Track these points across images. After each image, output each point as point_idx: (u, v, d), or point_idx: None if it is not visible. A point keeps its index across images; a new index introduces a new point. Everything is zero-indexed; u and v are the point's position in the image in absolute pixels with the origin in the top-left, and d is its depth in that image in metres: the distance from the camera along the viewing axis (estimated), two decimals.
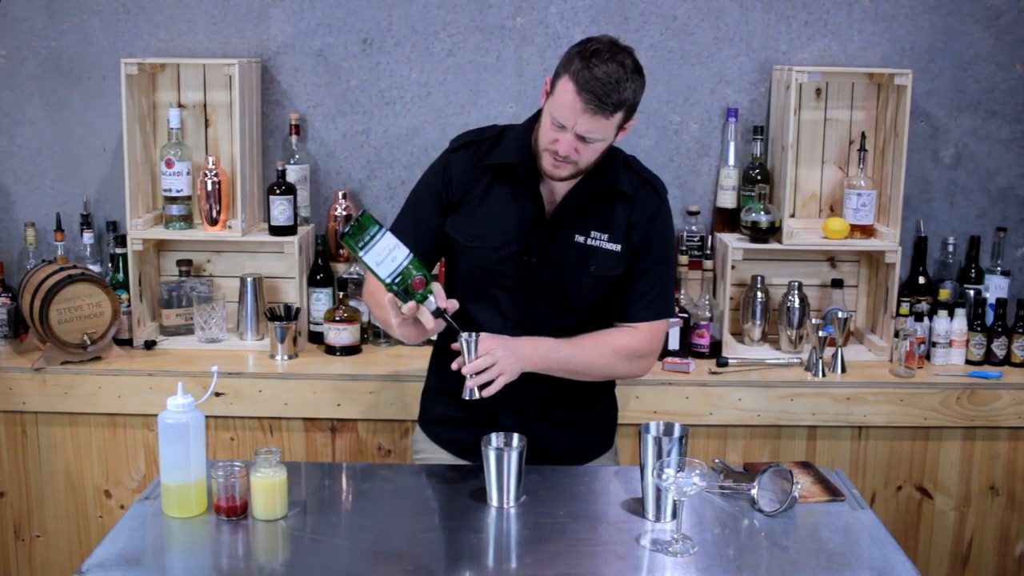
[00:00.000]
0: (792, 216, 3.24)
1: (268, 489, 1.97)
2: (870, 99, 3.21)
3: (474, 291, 2.26)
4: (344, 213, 3.23)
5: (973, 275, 3.25)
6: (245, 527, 1.98)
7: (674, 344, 3.08)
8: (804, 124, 3.20)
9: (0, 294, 3.17)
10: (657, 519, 2.02)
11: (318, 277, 3.20)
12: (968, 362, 3.12)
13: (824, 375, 3.00)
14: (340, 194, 3.25)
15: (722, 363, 3.05)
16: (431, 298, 2.04)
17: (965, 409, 2.96)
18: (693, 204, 3.27)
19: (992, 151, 3.29)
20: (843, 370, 3.02)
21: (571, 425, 2.35)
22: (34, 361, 2.96)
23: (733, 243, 3.11)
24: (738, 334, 3.24)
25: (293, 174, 3.18)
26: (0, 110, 3.27)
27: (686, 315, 3.11)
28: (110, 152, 3.28)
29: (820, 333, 2.99)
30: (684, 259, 3.16)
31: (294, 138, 3.22)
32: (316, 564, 1.86)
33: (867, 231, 3.13)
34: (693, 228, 3.24)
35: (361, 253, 1.99)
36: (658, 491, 1.99)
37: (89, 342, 2.97)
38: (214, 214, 3.12)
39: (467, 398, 2.10)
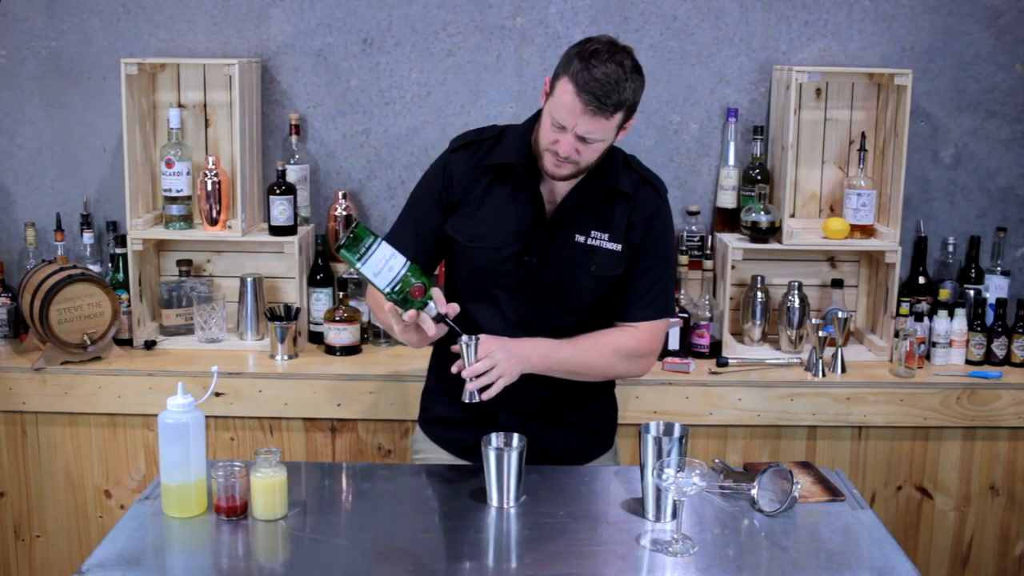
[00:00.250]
0: (792, 216, 3.24)
1: (268, 489, 1.97)
2: (870, 99, 3.21)
3: (475, 291, 2.27)
4: (344, 213, 3.23)
5: (973, 275, 3.25)
6: (245, 527, 1.98)
7: (674, 344, 3.08)
8: (804, 124, 3.20)
9: (0, 294, 3.17)
10: (657, 519, 2.02)
11: (318, 277, 3.20)
12: (968, 362, 3.12)
13: (824, 375, 3.00)
14: (340, 194, 3.25)
15: (722, 363, 3.05)
16: (431, 304, 2.04)
17: (965, 409, 2.96)
18: (693, 204, 3.27)
19: (992, 151, 3.29)
20: (843, 370, 3.02)
21: (571, 425, 2.35)
22: (34, 361, 2.96)
23: (733, 243, 3.11)
24: (738, 334, 3.24)
25: (293, 174, 3.18)
26: (0, 110, 3.27)
27: (686, 315, 3.11)
28: (110, 152, 3.28)
29: (820, 333, 2.99)
30: (684, 259, 3.16)
31: (294, 138, 3.22)
32: (316, 564, 1.86)
33: (867, 231, 3.13)
34: (693, 228, 3.24)
35: (358, 265, 1.99)
36: (658, 491, 1.99)
37: (89, 342, 2.97)
38: (214, 214, 3.12)
39: (467, 401, 2.10)
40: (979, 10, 3.20)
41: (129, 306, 3.11)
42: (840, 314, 3.10)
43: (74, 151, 3.29)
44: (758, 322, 3.19)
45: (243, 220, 3.09)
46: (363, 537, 1.97)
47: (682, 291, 3.16)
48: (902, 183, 3.07)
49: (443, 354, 2.29)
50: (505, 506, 2.06)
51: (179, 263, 3.24)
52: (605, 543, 1.95)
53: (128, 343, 3.13)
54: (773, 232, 3.11)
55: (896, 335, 3.03)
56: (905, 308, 3.07)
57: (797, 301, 3.13)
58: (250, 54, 3.23)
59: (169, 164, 3.09)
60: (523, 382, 2.17)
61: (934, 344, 3.11)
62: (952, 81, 3.24)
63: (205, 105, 3.23)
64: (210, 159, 3.14)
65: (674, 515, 1.95)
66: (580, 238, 2.22)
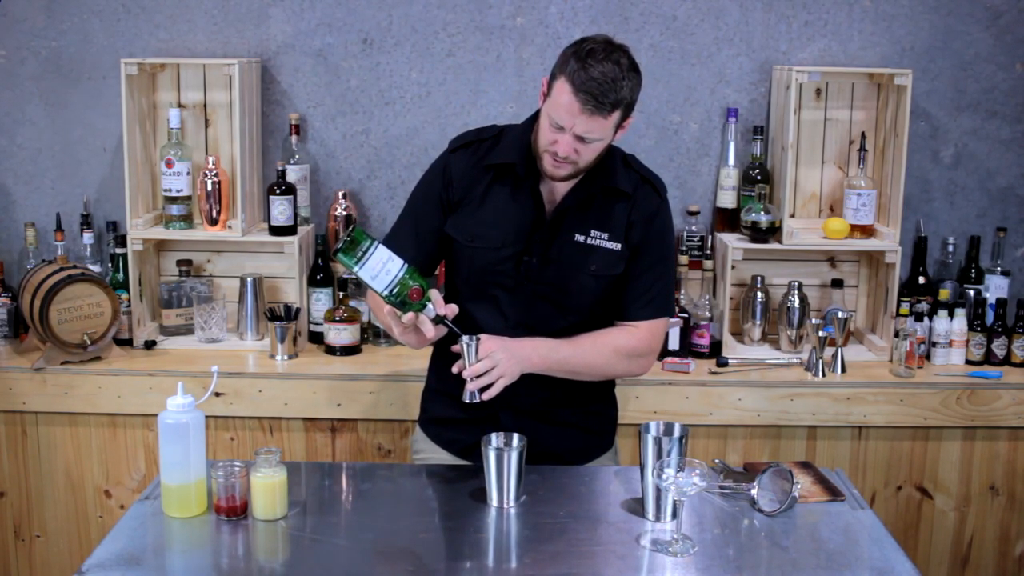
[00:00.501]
0: (792, 216, 3.24)
1: (268, 489, 1.97)
2: (870, 99, 3.21)
3: (475, 291, 2.27)
4: (344, 213, 3.23)
5: (973, 275, 3.25)
6: (245, 527, 1.98)
7: (674, 344, 3.08)
8: (804, 124, 3.20)
9: (0, 294, 3.17)
10: (657, 519, 2.02)
11: (318, 277, 3.20)
12: (968, 362, 3.12)
13: (824, 375, 3.00)
14: (340, 194, 3.24)
15: (722, 363, 3.05)
16: (430, 306, 2.04)
17: (965, 409, 2.96)
18: (693, 204, 3.27)
19: (992, 151, 3.29)
20: (843, 370, 3.02)
21: (571, 425, 2.35)
22: (34, 361, 2.96)
23: (733, 243, 3.11)
24: (738, 334, 3.24)
25: (293, 174, 3.18)
26: (0, 110, 3.27)
27: (686, 315, 3.11)
28: (110, 152, 3.28)
29: (820, 333, 2.99)
30: (684, 259, 3.16)
31: (294, 138, 3.22)
32: (316, 564, 1.86)
33: (867, 231, 3.13)
34: (693, 228, 3.24)
35: (356, 268, 1.99)
36: (658, 491, 1.99)
37: (89, 342, 2.97)
38: (214, 214, 3.12)
39: (468, 401, 2.11)
40: (979, 10, 3.20)
41: (129, 306, 3.11)
42: (840, 314, 3.10)
43: (74, 151, 3.29)
44: (758, 322, 3.19)
45: (243, 220, 3.09)
46: (363, 537, 1.97)
47: (682, 291, 3.16)
48: (902, 183, 3.07)
49: (443, 354, 2.29)
50: (505, 506, 2.06)
51: (179, 263, 3.24)
52: (605, 543, 1.95)
53: (128, 343, 3.13)
54: (773, 232, 3.11)
55: (896, 335, 3.03)
56: (905, 308, 3.07)
57: (797, 301, 3.13)
58: (250, 54, 3.23)
59: (169, 164, 3.09)
60: (523, 382, 2.17)
61: (934, 344, 3.11)
62: (952, 81, 3.24)
63: (205, 105, 3.23)
64: (210, 159, 3.14)
65: (674, 515, 1.95)
66: (580, 237, 2.22)
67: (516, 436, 2.08)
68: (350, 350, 3.10)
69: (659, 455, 1.99)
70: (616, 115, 2.07)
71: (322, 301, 3.19)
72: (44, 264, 3.07)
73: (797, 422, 2.97)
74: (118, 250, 3.17)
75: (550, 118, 2.08)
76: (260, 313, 3.16)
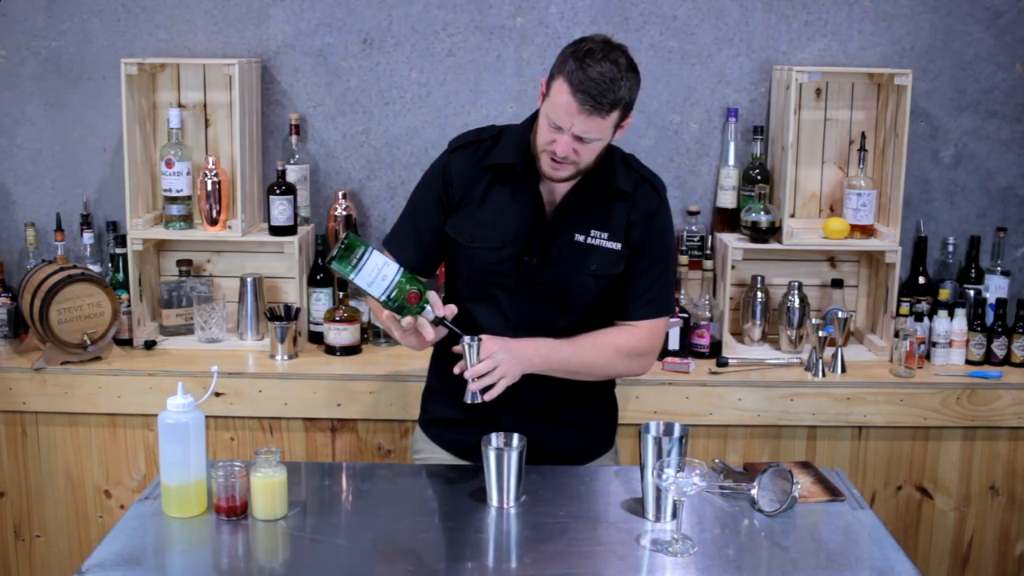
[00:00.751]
0: (792, 216, 3.24)
1: (268, 489, 1.97)
2: (870, 99, 3.21)
3: (475, 291, 2.27)
4: (344, 213, 3.23)
5: (973, 275, 3.25)
6: (245, 527, 1.98)
7: (674, 344, 3.08)
8: (804, 124, 3.20)
9: (0, 294, 3.17)
10: (657, 519, 2.02)
11: (318, 277, 3.20)
12: (968, 362, 3.12)
13: (824, 375, 3.00)
14: (340, 194, 3.24)
15: (722, 363, 3.05)
16: (428, 308, 2.04)
17: (965, 409, 2.96)
18: (693, 204, 3.27)
19: (992, 151, 3.29)
20: (843, 370, 3.02)
21: (571, 425, 2.35)
22: (34, 361, 2.96)
23: (733, 243, 3.11)
24: (738, 334, 3.24)
25: (293, 174, 3.18)
26: (0, 110, 3.27)
27: (686, 315, 3.11)
28: (110, 152, 3.28)
29: (820, 333, 2.99)
30: (684, 259, 3.16)
31: (294, 138, 3.22)
32: (316, 564, 1.86)
33: (867, 231, 3.13)
34: (693, 228, 3.24)
35: (352, 276, 1.99)
36: (658, 491, 1.99)
37: (89, 342, 2.97)
38: (214, 214, 3.12)
39: (469, 402, 2.11)
40: (979, 10, 3.20)
41: (129, 306, 3.11)
42: (840, 314, 3.10)
43: (74, 151, 3.29)
44: (758, 322, 3.19)
45: (243, 220, 3.09)
46: (363, 537, 1.97)
47: (682, 291, 3.16)
48: (902, 183, 3.07)
49: (444, 354, 2.29)
50: (505, 506, 2.06)
51: (179, 263, 3.24)
52: (605, 543, 1.95)
53: (128, 343, 3.13)
54: (773, 232, 3.11)
55: (896, 335, 3.03)
56: (905, 308, 3.07)
57: (797, 301, 3.13)
58: (250, 54, 3.23)
59: (169, 164, 3.09)
60: (523, 382, 2.17)
61: (934, 344, 3.11)
62: (952, 81, 3.24)
63: (205, 105, 3.23)
64: (210, 159, 3.14)
65: (674, 515, 1.95)
66: (580, 237, 2.22)
67: (516, 436, 2.08)
68: (350, 350, 3.10)
69: (659, 455, 1.99)
70: (615, 115, 2.07)
71: (322, 301, 3.19)
72: (44, 264, 3.07)
73: (797, 422, 2.97)
74: (118, 250, 3.17)
75: (548, 118, 2.08)
76: (260, 313, 3.16)
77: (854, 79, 3.20)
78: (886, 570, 1.87)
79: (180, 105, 3.21)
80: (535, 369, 2.19)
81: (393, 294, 2.01)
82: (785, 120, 3.08)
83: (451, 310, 2.09)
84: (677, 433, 2.03)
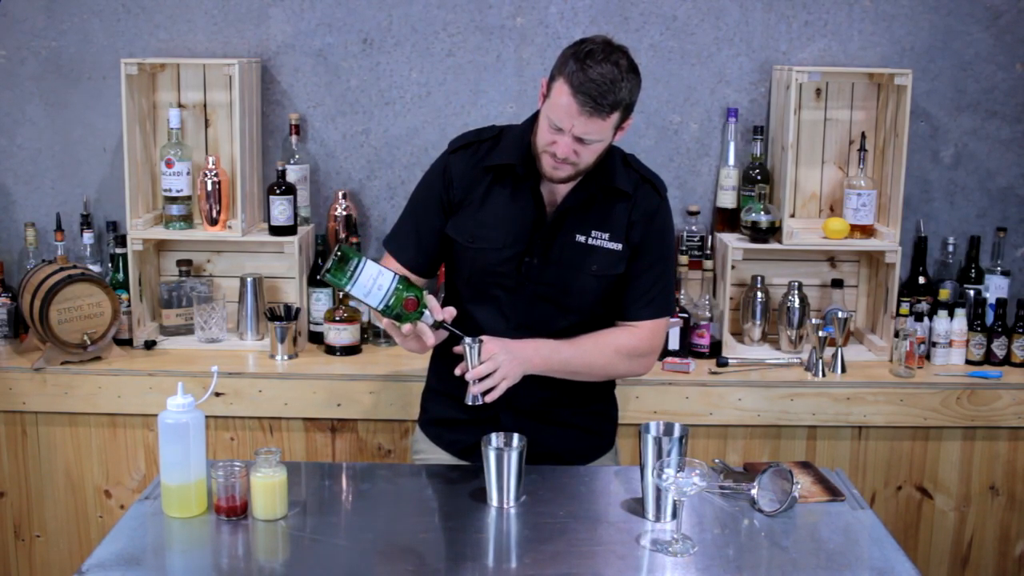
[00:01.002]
0: (792, 216, 3.24)
1: (268, 489, 1.97)
2: (870, 99, 3.21)
3: (476, 292, 2.27)
4: (344, 213, 3.23)
5: (973, 275, 3.25)
6: (245, 527, 1.98)
7: (674, 344, 3.08)
8: (804, 124, 3.20)
9: (0, 294, 3.17)
10: (657, 519, 2.02)
11: (318, 277, 3.20)
12: (968, 362, 3.12)
13: (824, 375, 3.00)
14: (340, 194, 3.25)
15: (722, 363, 3.05)
16: (427, 313, 2.04)
17: (965, 409, 2.96)
18: (693, 204, 3.27)
19: (992, 151, 3.29)
20: (843, 370, 3.02)
21: (571, 426, 2.35)
22: (34, 361, 2.96)
23: (733, 243, 3.11)
24: (738, 334, 3.24)
25: (293, 174, 3.18)
26: (0, 110, 3.27)
27: (686, 315, 3.11)
28: (110, 152, 3.28)
29: (820, 333, 2.99)
30: (684, 259, 3.16)
31: (294, 138, 3.22)
32: (316, 564, 1.86)
33: (867, 231, 3.13)
34: (693, 228, 3.24)
35: (348, 287, 1.98)
36: (658, 491, 1.99)
37: (89, 342, 2.97)
38: (214, 214, 3.12)
39: (470, 403, 2.10)
40: (979, 10, 3.20)
41: (129, 306, 3.11)
42: (840, 314, 3.10)
43: (74, 151, 3.29)
44: (758, 322, 3.19)
45: (243, 220, 3.09)
46: (363, 537, 1.97)
47: (682, 291, 3.16)
48: (902, 183, 3.07)
49: (444, 355, 2.29)
50: (505, 506, 2.06)
51: (179, 263, 3.24)
52: (605, 543, 1.95)
53: (128, 343, 3.13)
54: (773, 232, 3.11)
55: (896, 335, 3.03)
56: (905, 308, 3.07)
57: (797, 301, 3.13)
58: (250, 54, 3.23)
59: (169, 164, 3.09)
60: (523, 383, 2.17)
61: (934, 344, 3.11)
62: (952, 81, 3.24)
63: (205, 105, 3.23)
64: (210, 159, 3.14)
65: (674, 515, 1.95)
66: (580, 238, 2.22)
67: (516, 436, 2.08)
68: (350, 350, 3.10)
69: (659, 455, 1.99)
70: (615, 116, 2.07)
71: (322, 301, 3.19)
72: (44, 264, 3.07)
73: (797, 422, 2.97)
74: (118, 250, 3.17)
75: (549, 119, 2.08)
76: (260, 313, 3.16)
77: (854, 79, 3.20)
78: (886, 570, 1.87)
79: (180, 105, 3.21)
80: (536, 370, 2.19)
81: (390, 303, 2.00)
82: (785, 120, 3.08)
83: (450, 313, 2.09)
84: (677, 433, 2.03)
